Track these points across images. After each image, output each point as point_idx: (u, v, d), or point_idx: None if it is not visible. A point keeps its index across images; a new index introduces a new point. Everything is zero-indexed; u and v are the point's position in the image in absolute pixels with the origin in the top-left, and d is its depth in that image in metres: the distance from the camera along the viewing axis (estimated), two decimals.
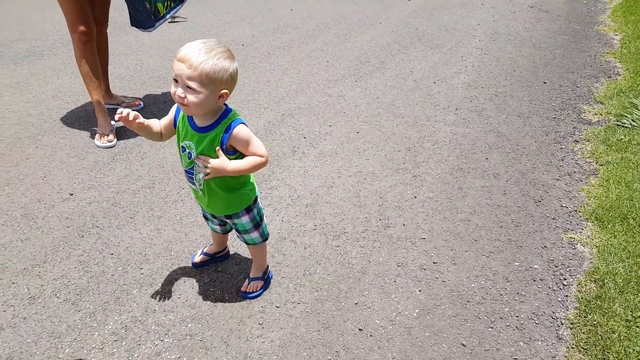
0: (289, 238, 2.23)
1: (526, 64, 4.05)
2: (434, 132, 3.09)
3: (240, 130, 1.49)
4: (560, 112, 3.34)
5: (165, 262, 2.09)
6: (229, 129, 1.48)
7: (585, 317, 1.84)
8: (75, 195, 2.50)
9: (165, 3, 2.95)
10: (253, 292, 1.92)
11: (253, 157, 1.55)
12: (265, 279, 1.96)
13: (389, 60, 4.12)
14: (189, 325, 1.81)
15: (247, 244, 1.86)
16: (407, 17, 5.16)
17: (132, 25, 3.00)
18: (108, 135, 2.92)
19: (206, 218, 1.89)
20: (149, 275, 2.01)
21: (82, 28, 2.67)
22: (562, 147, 2.95)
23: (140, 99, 3.36)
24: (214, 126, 1.49)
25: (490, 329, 1.83)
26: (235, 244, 2.18)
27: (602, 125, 3.13)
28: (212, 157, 1.52)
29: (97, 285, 1.96)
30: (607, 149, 2.86)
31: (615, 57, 4.15)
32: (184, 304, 1.90)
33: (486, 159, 2.84)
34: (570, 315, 1.87)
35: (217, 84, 1.38)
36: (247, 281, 1.95)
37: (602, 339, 1.74)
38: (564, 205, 2.47)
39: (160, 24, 2.98)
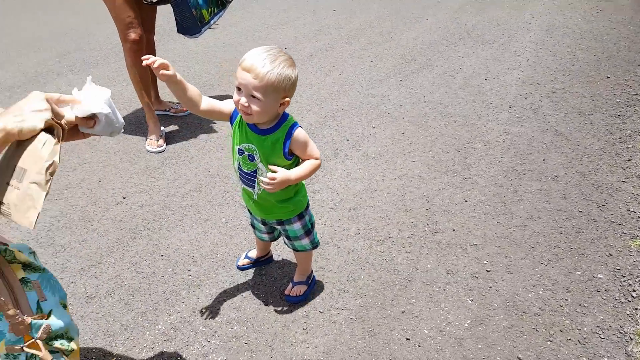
0: (332, 242, 2.19)
1: (587, 58, 3.79)
2: (485, 132, 2.95)
3: (299, 134, 1.49)
4: (626, 108, 3.09)
5: (211, 265, 2.11)
6: (289, 132, 1.48)
7: None
8: (128, 198, 2.58)
9: (210, 9, 3.01)
10: (297, 295, 1.90)
11: (310, 161, 1.55)
12: (309, 284, 1.94)
13: (436, 58, 3.99)
14: (235, 328, 1.82)
15: (297, 250, 1.83)
16: (456, 13, 4.98)
17: (178, 32, 3.07)
18: (158, 141, 3.01)
19: (254, 227, 1.87)
20: (197, 277, 2.04)
21: (133, 37, 2.76)
22: (629, 146, 2.73)
23: None
24: (274, 129, 1.48)
25: (549, 343, 1.70)
26: (279, 248, 2.17)
27: None
28: (273, 158, 1.51)
29: (148, 286, 2.01)
30: None
31: None
32: (229, 306, 1.91)
33: (543, 160, 2.67)
34: (639, 331, 1.71)
35: (281, 93, 1.39)
36: (290, 285, 1.93)
37: None
38: (631, 209, 2.27)
39: (205, 30, 3.03)
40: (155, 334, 1.81)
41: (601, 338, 1.71)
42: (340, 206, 2.42)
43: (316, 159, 1.56)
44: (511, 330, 1.76)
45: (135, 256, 2.17)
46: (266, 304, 1.92)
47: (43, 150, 0.98)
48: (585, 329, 1.74)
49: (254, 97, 1.36)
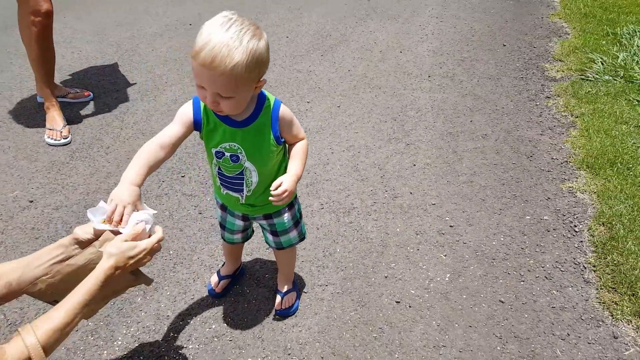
0: None
1: (482, 29, 4.12)
2: (414, 100, 3.05)
3: (285, 112, 1.29)
4: (525, 71, 3.43)
5: (165, 263, 1.87)
6: (275, 113, 1.27)
7: (604, 258, 1.89)
8: (36, 202, 2.18)
9: None
10: (290, 307, 1.67)
11: (301, 148, 1.36)
12: (296, 289, 1.73)
13: (350, 33, 4.02)
14: (213, 327, 1.64)
15: (282, 248, 1.58)
16: None
17: None
18: (62, 131, 2.58)
19: (223, 227, 1.58)
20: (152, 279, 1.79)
21: (46, 7, 2.31)
22: (537, 104, 3.03)
23: (87, 90, 2.99)
24: (255, 115, 1.25)
25: (522, 283, 1.82)
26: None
27: (567, 81, 3.25)
28: (263, 150, 1.29)
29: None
30: (578, 102, 2.97)
31: (560, 18, 4.34)
32: (200, 305, 1.71)
33: (471, 121, 2.84)
34: (590, 259, 1.91)
35: (255, 78, 1.14)
36: (278, 298, 1.67)
37: (626, 276, 1.79)
38: (554, 157, 2.53)
39: None
40: (115, 351, 1.56)
41: (561, 271, 1.87)
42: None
43: (302, 138, 1.37)
44: (487, 277, 1.85)
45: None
46: (242, 294, 1.76)
47: None
48: (547, 265, 1.90)
49: (223, 96, 1.12)
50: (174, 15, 4.22)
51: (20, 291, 1.13)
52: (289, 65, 3.44)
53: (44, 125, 2.62)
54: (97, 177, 2.34)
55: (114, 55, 3.49)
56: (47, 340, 0.96)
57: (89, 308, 1.08)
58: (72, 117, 2.77)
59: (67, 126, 2.63)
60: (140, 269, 1.22)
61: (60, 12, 2.70)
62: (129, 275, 1.19)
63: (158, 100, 2.94)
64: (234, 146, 1.26)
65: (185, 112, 1.26)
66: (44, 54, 2.51)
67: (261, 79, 1.17)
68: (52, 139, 2.56)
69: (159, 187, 2.28)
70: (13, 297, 1.13)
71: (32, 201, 2.19)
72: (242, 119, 1.24)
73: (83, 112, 2.85)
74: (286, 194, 1.25)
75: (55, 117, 2.60)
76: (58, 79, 3.10)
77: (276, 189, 1.24)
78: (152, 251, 1.17)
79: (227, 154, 1.28)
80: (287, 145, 1.39)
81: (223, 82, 1.08)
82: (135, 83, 3.14)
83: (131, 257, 1.14)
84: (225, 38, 1.05)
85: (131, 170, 1.18)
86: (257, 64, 1.10)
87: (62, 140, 2.56)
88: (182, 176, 2.33)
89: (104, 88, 3.09)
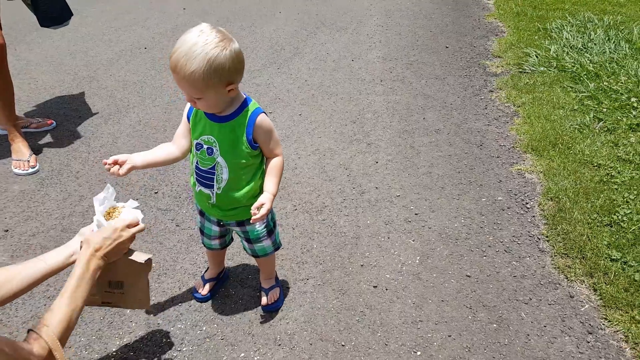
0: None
1: (425, 34, 4.39)
2: (370, 104, 3.23)
3: (263, 120, 1.39)
4: (469, 69, 3.70)
5: (150, 275, 1.91)
6: (252, 118, 1.38)
7: (555, 229, 2.10)
8: (11, 230, 2.17)
9: None
10: (275, 301, 1.76)
11: (276, 165, 1.46)
12: (279, 284, 1.81)
13: (303, 46, 4.18)
14: (204, 328, 1.70)
15: (257, 256, 1.67)
16: (304, 5, 5.26)
17: (43, 25, 2.60)
18: (29, 161, 2.57)
19: (203, 232, 1.67)
20: None
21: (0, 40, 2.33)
22: (482, 98, 3.28)
23: (50, 118, 2.98)
24: (235, 115, 1.37)
25: (484, 258, 2.00)
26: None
27: (506, 75, 3.53)
28: (236, 149, 1.39)
29: (80, 316, 1.74)
30: (518, 92, 3.24)
31: (495, 18, 4.69)
32: (188, 310, 1.78)
33: (423, 118, 3.05)
34: (543, 231, 2.11)
35: (220, 83, 1.25)
36: (263, 295, 1.76)
37: (575, 242, 2.00)
38: (501, 144, 2.76)
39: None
40: None
41: (519, 244, 2.06)
42: None
43: (278, 155, 1.47)
44: (453, 256, 2.01)
45: (48, 290, 1.85)
46: (228, 296, 1.84)
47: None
48: (505, 240, 2.08)
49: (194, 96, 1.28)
50: (127, 41, 4.25)
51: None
52: (248, 79, 3.55)
53: (9, 157, 2.60)
54: (70, 201, 2.35)
55: (72, 83, 3.49)
56: (60, 331, 1.03)
57: (90, 294, 1.20)
58: (37, 146, 2.76)
59: (34, 155, 2.62)
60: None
61: (11, 45, 2.70)
62: (123, 257, 1.33)
63: (122, 123, 2.98)
64: (211, 139, 1.39)
65: (186, 107, 1.45)
66: (1, 87, 2.51)
67: (231, 84, 1.28)
68: (19, 169, 2.55)
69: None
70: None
71: (7, 230, 2.18)
72: (222, 115, 1.37)
73: (48, 140, 2.84)
74: (264, 211, 1.38)
75: (20, 148, 2.59)
76: (19, 110, 3.08)
77: (258, 209, 1.38)
78: (131, 228, 1.33)
79: (205, 147, 1.41)
80: (265, 158, 1.49)
81: (186, 85, 1.24)
82: (97, 109, 3.16)
83: (107, 238, 1.27)
84: (187, 47, 1.20)
85: (138, 153, 1.43)
86: (216, 72, 1.21)
87: (30, 170, 2.55)
88: (155, 192, 2.38)
89: (66, 115, 3.09)
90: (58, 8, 2.51)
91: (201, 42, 1.19)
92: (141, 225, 1.38)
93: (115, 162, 1.35)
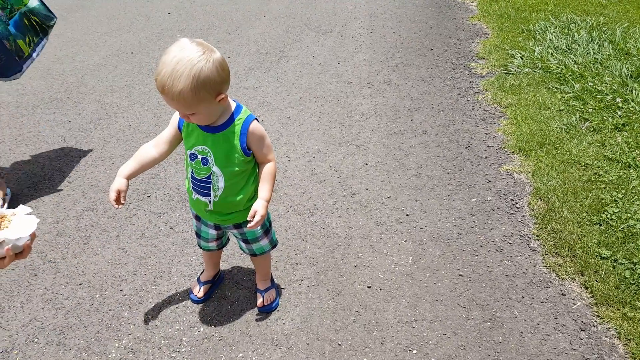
0: None
1: (410, 36, 4.45)
2: (357, 106, 3.26)
3: (255, 127, 1.41)
4: (454, 71, 3.75)
5: (146, 278, 1.91)
6: (245, 126, 1.39)
7: (545, 227, 2.15)
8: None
9: (28, 38, 2.39)
10: (271, 302, 1.77)
11: (268, 171, 1.47)
12: (274, 285, 1.84)
13: (288, 49, 4.20)
14: (202, 329, 1.70)
15: (254, 254, 1.70)
16: (288, 8, 5.28)
17: None
18: None
19: (199, 235, 1.68)
20: (134, 294, 1.83)
21: None
22: (468, 99, 3.34)
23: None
24: (228, 124, 1.38)
25: (477, 257, 2.03)
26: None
27: (492, 76, 3.60)
28: (230, 157, 1.40)
29: (77, 319, 1.72)
30: (504, 94, 3.31)
31: (479, 20, 4.77)
32: (186, 312, 1.77)
33: (411, 120, 3.08)
34: (533, 230, 2.16)
35: (209, 96, 1.25)
36: (259, 296, 1.78)
37: (566, 241, 2.05)
38: (489, 145, 2.81)
39: (28, 66, 2.37)
40: None
41: (509, 243, 2.11)
42: None
43: (271, 160, 1.48)
44: (445, 256, 2.04)
45: (46, 293, 1.83)
46: (224, 297, 1.84)
47: None
48: (496, 239, 2.12)
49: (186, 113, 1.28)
50: (113, 46, 4.21)
51: None
52: (235, 83, 3.55)
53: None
54: (64, 205, 2.32)
55: (60, 88, 3.44)
56: None
57: None
58: (30, 151, 2.72)
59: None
60: None
61: None
62: None
63: (112, 127, 2.95)
64: (205, 149, 1.39)
65: (175, 115, 1.44)
66: None
67: (220, 94, 1.28)
68: None
69: (127, 209, 2.30)
70: None
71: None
72: (215, 125, 1.37)
73: (37, 151, 2.80)
74: (259, 217, 1.40)
75: None
76: (6, 118, 3.03)
77: (253, 217, 1.40)
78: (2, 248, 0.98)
79: (199, 157, 1.41)
80: (258, 164, 1.50)
81: (177, 104, 1.24)
82: (87, 114, 3.12)
83: None
84: (171, 68, 1.19)
85: (124, 166, 1.43)
86: (204, 86, 1.21)
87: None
88: (148, 196, 2.36)
89: (55, 121, 3.05)
90: (4, 59, 2.22)
91: (184, 60, 1.19)
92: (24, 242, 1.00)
93: (118, 199, 1.38)
